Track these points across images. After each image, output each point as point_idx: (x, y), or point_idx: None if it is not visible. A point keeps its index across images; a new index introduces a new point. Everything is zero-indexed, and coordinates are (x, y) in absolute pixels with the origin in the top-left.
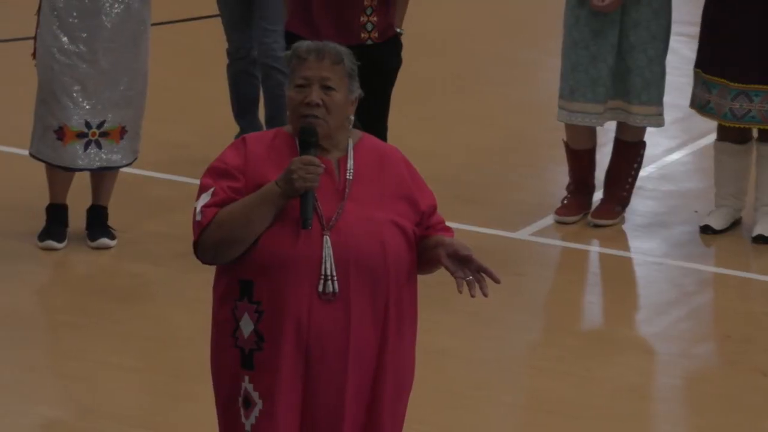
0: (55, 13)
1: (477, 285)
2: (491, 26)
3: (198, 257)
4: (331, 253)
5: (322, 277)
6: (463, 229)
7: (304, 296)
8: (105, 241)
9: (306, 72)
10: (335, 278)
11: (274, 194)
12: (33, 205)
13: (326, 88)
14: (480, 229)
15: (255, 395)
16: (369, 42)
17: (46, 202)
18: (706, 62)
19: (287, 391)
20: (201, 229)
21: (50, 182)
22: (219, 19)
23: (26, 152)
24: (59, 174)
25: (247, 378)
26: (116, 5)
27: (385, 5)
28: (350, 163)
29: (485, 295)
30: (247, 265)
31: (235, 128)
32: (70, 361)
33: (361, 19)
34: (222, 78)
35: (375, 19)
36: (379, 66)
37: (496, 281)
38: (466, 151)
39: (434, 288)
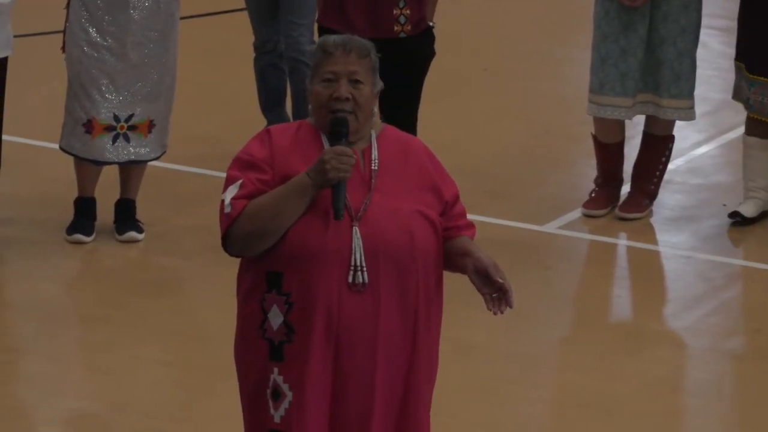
0: (84, 6)
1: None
2: (521, 21)
3: (226, 249)
4: (361, 244)
5: (352, 268)
6: (491, 222)
7: (334, 287)
8: (133, 234)
9: (333, 66)
10: (365, 269)
11: (305, 185)
12: (62, 198)
13: (354, 82)
14: (508, 223)
15: (285, 387)
16: (402, 35)
17: (75, 195)
18: (747, 58)
19: (317, 382)
20: (230, 221)
21: (78, 176)
22: (246, 13)
23: (54, 146)
24: (88, 167)
25: (276, 370)
26: (144, 0)
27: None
28: (375, 153)
29: (502, 312)
30: (276, 256)
31: (263, 122)
32: (100, 354)
33: (394, 12)
34: (249, 72)
35: (408, 12)
36: (412, 58)
37: (510, 305)
38: (495, 145)
39: (463, 282)
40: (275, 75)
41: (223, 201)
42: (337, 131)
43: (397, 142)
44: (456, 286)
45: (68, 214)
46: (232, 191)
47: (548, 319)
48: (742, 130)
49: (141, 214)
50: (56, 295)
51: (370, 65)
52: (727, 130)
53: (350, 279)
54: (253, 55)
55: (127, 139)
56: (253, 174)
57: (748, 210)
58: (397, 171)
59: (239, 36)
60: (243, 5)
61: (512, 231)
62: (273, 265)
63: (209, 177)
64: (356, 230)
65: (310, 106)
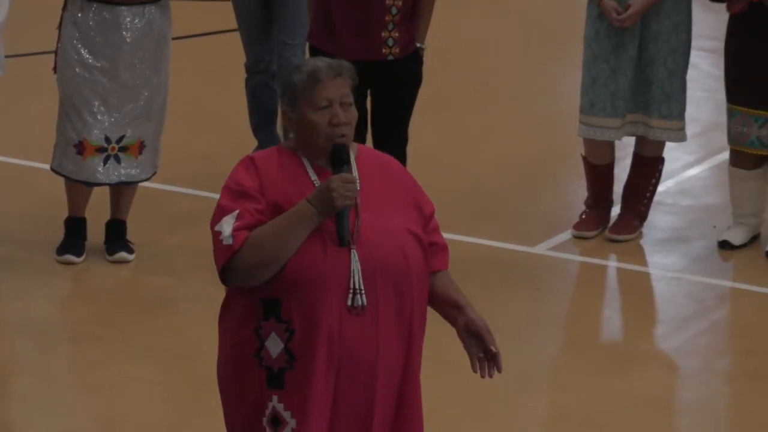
0: (76, 27)
1: (487, 365)
2: (513, 39)
3: (225, 281)
4: (359, 267)
5: (351, 291)
6: (482, 243)
7: (334, 312)
8: (123, 255)
9: (326, 92)
10: (363, 291)
11: (310, 215)
12: (53, 218)
13: (346, 105)
14: (498, 244)
15: (286, 414)
16: (390, 57)
17: (66, 215)
18: (729, 90)
19: (320, 407)
20: (232, 253)
21: (69, 196)
22: (237, 33)
23: (45, 166)
24: (79, 188)
25: (275, 397)
26: (137, 20)
27: (406, 21)
28: (355, 173)
29: (491, 376)
30: (274, 284)
31: (255, 141)
32: (92, 373)
33: (383, 34)
34: (242, 91)
35: (396, 34)
36: (400, 81)
37: (499, 370)
38: (486, 165)
39: None
40: (267, 95)
41: (219, 232)
42: (339, 158)
43: (374, 160)
44: None
45: (59, 234)
46: (230, 222)
47: (539, 340)
48: None
49: (133, 233)
50: (48, 314)
51: (353, 86)
52: (718, 151)
53: (349, 302)
54: (245, 75)
55: (118, 160)
56: (247, 204)
57: (737, 237)
58: (380, 189)
59: (232, 56)
60: (235, 26)
61: (503, 251)
62: (270, 293)
63: (201, 197)
64: (354, 253)
65: (291, 133)
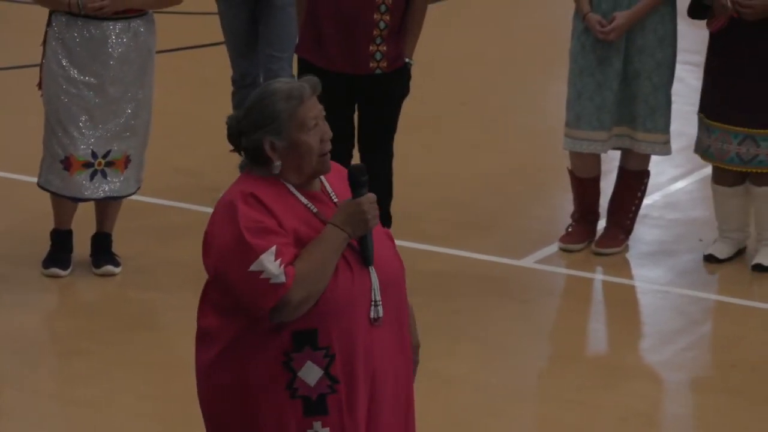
0: (62, 43)
1: None
2: (499, 54)
3: (272, 319)
4: (377, 280)
5: (373, 303)
6: (468, 256)
7: (365, 327)
8: (109, 268)
9: (312, 111)
10: (380, 303)
11: (343, 240)
12: (39, 231)
13: (324, 119)
14: (485, 257)
15: None
16: (378, 71)
17: (51, 228)
18: (708, 106)
19: (362, 422)
20: (286, 290)
21: (55, 209)
22: (224, 46)
23: (31, 179)
24: (65, 202)
25: (317, 424)
26: (123, 34)
27: (395, 36)
28: (328, 187)
29: None
30: (306, 315)
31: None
32: (78, 388)
33: (371, 48)
34: (228, 105)
35: (384, 48)
36: (386, 95)
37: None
38: (473, 179)
39: (441, 316)
40: None
41: (260, 272)
42: (361, 180)
43: (334, 170)
44: (432, 319)
45: (44, 247)
46: (271, 260)
47: (525, 353)
48: None
49: (120, 247)
50: (33, 328)
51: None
52: (704, 165)
53: (373, 315)
54: (232, 89)
55: (104, 175)
56: (277, 239)
57: (722, 252)
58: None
59: (220, 69)
60: (221, 39)
61: (489, 265)
62: (302, 324)
63: (188, 210)
64: (372, 269)
65: (275, 163)
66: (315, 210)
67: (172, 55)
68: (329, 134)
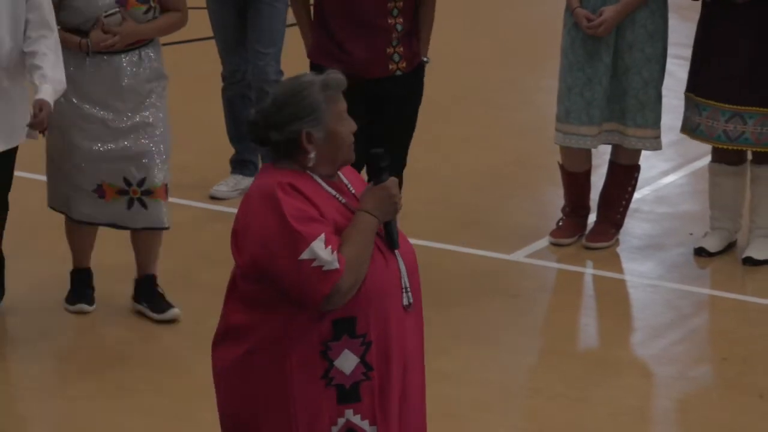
0: (72, 82)
1: None
2: (490, 49)
3: (325, 306)
4: (404, 265)
5: (404, 290)
6: (459, 250)
7: (400, 313)
8: (174, 311)
9: (343, 104)
10: (409, 289)
11: (375, 225)
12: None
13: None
14: (476, 251)
15: (364, 423)
16: (398, 73)
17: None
18: (698, 84)
19: (395, 408)
20: (339, 276)
21: (73, 248)
22: (214, 41)
23: (31, 175)
24: (83, 239)
25: (350, 411)
26: (134, 65)
27: (409, 35)
28: (345, 179)
29: None
30: (347, 303)
31: (232, 150)
32: (76, 383)
33: (388, 50)
34: (219, 100)
35: (401, 49)
36: (408, 95)
37: None
38: (464, 173)
39: (432, 311)
40: (243, 105)
41: (312, 259)
42: (382, 165)
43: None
44: (423, 313)
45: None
46: (321, 247)
47: (516, 347)
48: (708, 159)
49: (115, 241)
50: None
51: None
52: (694, 159)
53: (405, 301)
54: (222, 84)
55: (143, 204)
56: (322, 227)
57: (713, 244)
58: (360, 189)
59: (210, 64)
60: (211, 33)
61: (480, 259)
62: (342, 313)
63: (181, 205)
64: (397, 253)
65: (311, 154)
66: (343, 201)
67: (163, 50)
68: (355, 127)
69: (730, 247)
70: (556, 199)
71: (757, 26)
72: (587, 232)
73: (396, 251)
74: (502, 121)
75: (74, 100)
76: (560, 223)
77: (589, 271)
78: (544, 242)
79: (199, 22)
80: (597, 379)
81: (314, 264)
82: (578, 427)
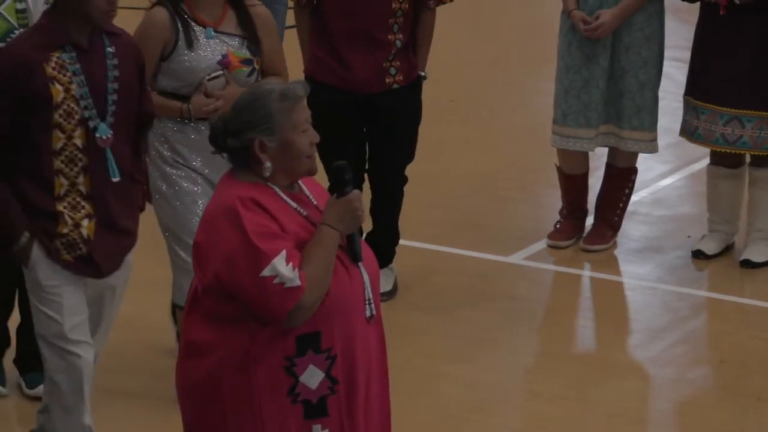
0: (169, 147)
1: None
2: (488, 52)
3: (288, 323)
4: (368, 278)
5: (367, 302)
6: (457, 253)
7: (362, 325)
8: None
9: (304, 114)
10: (373, 301)
11: (337, 239)
12: None
13: (310, 125)
14: (474, 254)
15: None
16: (395, 86)
17: None
18: (697, 88)
19: (362, 420)
20: (302, 292)
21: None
22: None
23: None
24: None
25: (317, 426)
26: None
27: (407, 49)
28: (306, 191)
29: None
30: (313, 317)
31: None
32: None
33: (384, 64)
34: None
35: (398, 63)
36: (404, 109)
37: None
38: (462, 176)
39: (430, 313)
40: None
41: (273, 276)
42: (345, 178)
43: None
44: (421, 316)
45: None
46: (283, 263)
47: (514, 349)
48: (706, 161)
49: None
50: None
51: None
52: (692, 161)
53: (368, 313)
54: None
55: None
56: (284, 243)
57: (710, 247)
58: (322, 201)
59: None
60: None
61: (478, 261)
62: (306, 328)
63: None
64: (361, 265)
65: (268, 163)
66: (305, 213)
67: None
68: (317, 138)
69: (727, 249)
70: (554, 201)
71: (755, 30)
72: (585, 234)
73: (359, 263)
74: (500, 123)
75: (169, 170)
76: (558, 226)
77: (587, 273)
78: (542, 245)
79: None
80: (595, 381)
81: (276, 281)
82: (576, 429)
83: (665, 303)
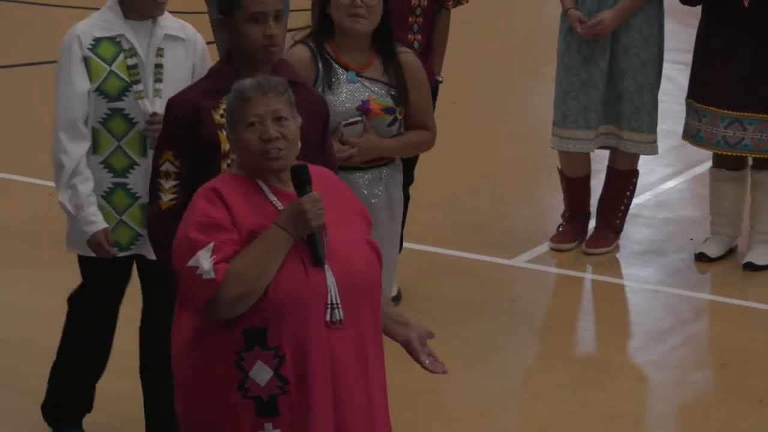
0: None
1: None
2: (490, 54)
3: (208, 315)
4: (335, 282)
5: (329, 306)
6: (458, 255)
7: (322, 329)
8: None
9: (255, 110)
10: (340, 306)
11: (284, 239)
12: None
13: (279, 120)
14: (476, 256)
15: None
16: None
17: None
18: (698, 91)
19: (321, 425)
20: (216, 286)
21: None
22: (215, 44)
23: (23, 178)
24: None
25: (269, 425)
26: (374, 186)
27: (426, 53)
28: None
29: (445, 372)
30: (257, 313)
31: None
32: None
33: None
34: None
35: None
36: None
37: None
38: (464, 178)
39: (431, 315)
40: None
41: (195, 267)
42: (302, 178)
43: (314, 173)
44: (422, 318)
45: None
46: (206, 256)
47: (515, 351)
48: (708, 164)
49: None
50: None
51: (290, 101)
52: (694, 164)
53: (328, 317)
54: None
55: None
56: (221, 236)
57: (713, 250)
58: (331, 202)
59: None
60: (212, 39)
61: (480, 264)
62: (251, 322)
63: None
64: (328, 268)
65: (234, 156)
66: (281, 208)
67: None
68: (273, 135)
69: (730, 252)
70: (556, 203)
71: (757, 32)
72: (587, 237)
73: (327, 265)
74: (502, 125)
75: None
76: (560, 228)
77: (589, 276)
78: (544, 247)
79: (200, 26)
80: (597, 383)
81: (197, 272)
82: (576, 431)
83: (667, 306)
